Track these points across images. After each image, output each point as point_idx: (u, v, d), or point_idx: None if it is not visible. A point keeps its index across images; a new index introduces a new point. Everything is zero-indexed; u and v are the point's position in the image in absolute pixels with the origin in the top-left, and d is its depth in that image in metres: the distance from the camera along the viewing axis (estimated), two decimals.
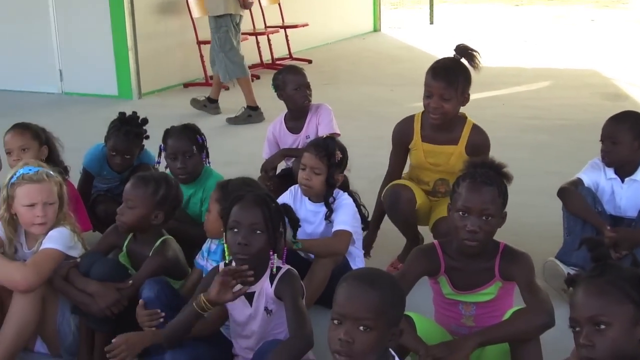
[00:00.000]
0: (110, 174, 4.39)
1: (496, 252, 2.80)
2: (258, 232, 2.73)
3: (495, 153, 3.22)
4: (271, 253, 2.81)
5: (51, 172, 3.31)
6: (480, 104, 6.50)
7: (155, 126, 4.36)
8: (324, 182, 3.61)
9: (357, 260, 3.70)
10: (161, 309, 3.01)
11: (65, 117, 7.62)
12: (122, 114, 4.32)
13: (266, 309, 2.85)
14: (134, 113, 4.33)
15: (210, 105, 7.72)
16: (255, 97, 7.44)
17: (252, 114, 7.41)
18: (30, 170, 3.26)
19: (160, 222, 3.27)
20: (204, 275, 3.14)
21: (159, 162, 4.04)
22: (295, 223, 3.00)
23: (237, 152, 6.25)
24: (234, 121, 7.36)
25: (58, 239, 3.24)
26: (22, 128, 3.99)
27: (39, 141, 3.96)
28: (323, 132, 4.38)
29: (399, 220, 3.94)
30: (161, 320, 2.99)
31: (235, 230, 2.75)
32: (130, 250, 3.36)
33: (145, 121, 4.32)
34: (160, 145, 3.96)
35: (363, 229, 3.81)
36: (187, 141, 3.88)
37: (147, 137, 4.34)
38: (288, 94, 4.58)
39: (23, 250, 3.35)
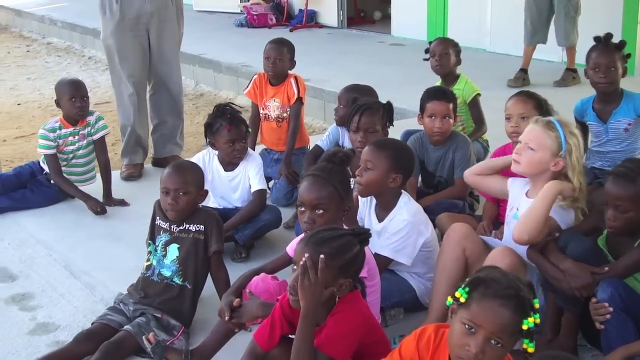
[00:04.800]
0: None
1: None
2: None
3: None
4: None
5: (558, 127, 3.26)
6: None
7: None
8: None
9: None
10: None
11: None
12: None
13: None
14: None
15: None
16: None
17: (575, 75, 7.81)
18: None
19: None
20: None
21: None
22: None
23: None
24: (559, 84, 7.78)
25: (561, 215, 3.21)
26: (526, 96, 4.01)
27: (539, 112, 3.91)
28: None
29: None
30: (608, 316, 2.82)
31: None
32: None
33: None
34: None
35: None
36: None
37: None
38: None
39: None
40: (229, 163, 4.32)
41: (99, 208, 4.85)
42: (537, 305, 2.16)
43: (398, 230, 3.37)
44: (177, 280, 3.45)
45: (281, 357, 2.64)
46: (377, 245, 3.40)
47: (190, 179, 3.51)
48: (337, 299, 2.55)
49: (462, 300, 2.17)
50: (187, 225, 3.49)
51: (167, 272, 3.47)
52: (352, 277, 2.57)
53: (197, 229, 3.48)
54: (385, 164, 3.39)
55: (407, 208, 3.41)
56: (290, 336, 2.69)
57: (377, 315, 3.09)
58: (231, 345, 3.11)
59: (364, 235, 2.65)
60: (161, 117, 5.84)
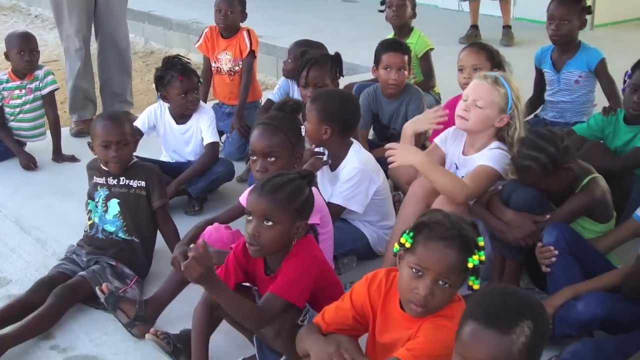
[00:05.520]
0: None
1: None
2: None
3: None
4: None
5: (505, 84, 3.26)
6: None
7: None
8: None
9: None
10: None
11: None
12: None
13: None
14: None
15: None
16: None
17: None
18: (491, 73, 3.31)
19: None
20: None
21: None
22: None
23: None
24: (505, 42, 7.79)
25: (496, 159, 3.24)
26: (478, 48, 4.04)
27: (492, 63, 3.95)
28: None
29: None
30: (553, 259, 2.89)
31: None
32: None
33: None
34: None
35: None
36: None
37: None
38: None
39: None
40: (181, 116, 4.29)
41: (27, 162, 4.82)
42: (481, 244, 2.19)
43: (349, 178, 3.39)
44: (123, 235, 3.43)
45: None
46: (329, 194, 3.42)
47: (128, 129, 3.44)
48: (293, 244, 2.57)
49: (408, 245, 2.19)
50: (128, 181, 3.44)
51: (111, 228, 3.44)
52: (306, 218, 2.59)
53: (139, 184, 3.44)
54: (314, 117, 3.42)
55: (358, 156, 3.44)
56: (244, 284, 2.71)
57: (330, 263, 3.13)
58: (185, 295, 3.13)
59: (310, 176, 2.67)
60: (108, 74, 5.76)
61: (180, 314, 3.07)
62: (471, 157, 3.32)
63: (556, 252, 2.90)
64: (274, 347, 2.63)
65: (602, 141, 3.81)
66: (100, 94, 5.83)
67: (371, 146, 4.28)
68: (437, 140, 3.55)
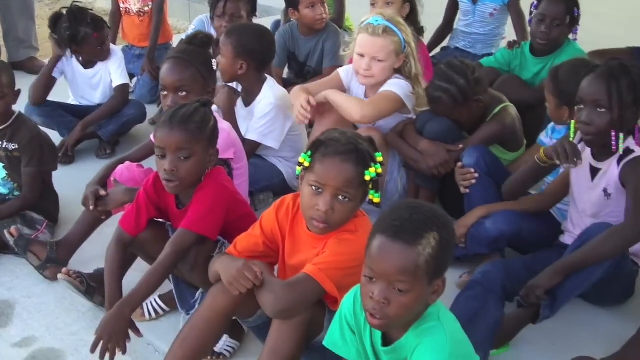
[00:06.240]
0: None
1: None
2: (601, 110, 2.49)
3: None
4: (613, 133, 2.53)
5: (394, 29, 3.24)
6: None
7: None
8: None
9: None
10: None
11: None
12: None
13: (605, 191, 2.63)
14: None
15: None
16: None
17: None
18: (376, 21, 3.25)
19: None
20: None
21: None
22: None
23: None
24: None
25: (398, 86, 3.26)
26: None
27: None
28: None
29: None
30: (473, 181, 2.95)
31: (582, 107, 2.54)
32: None
33: None
34: None
35: None
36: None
37: None
38: None
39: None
40: (88, 61, 4.16)
41: None
42: (380, 158, 2.20)
43: (265, 114, 3.36)
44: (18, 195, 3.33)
45: (150, 239, 2.62)
46: (244, 130, 3.39)
47: (5, 81, 3.22)
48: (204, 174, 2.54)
49: (307, 164, 2.20)
50: (7, 144, 3.27)
51: (4, 190, 3.34)
52: (215, 146, 2.56)
53: (14, 147, 3.27)
54: (229, 51, 3.36)
55: (272, 92, 3.40)
56: (157, 220, 2.67)
57: (246, 199, 3.11)
58: (98, 235, 3.07)
59: (210, 104, 2.63)
60: (12, 20, 5.52)
61: (94, 254, 3.00)
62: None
63: (477, 175, 2.95)
64: (190, 280, 2.61)
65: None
66: (4, 41, 5.61)
67: (286, 84, 4.25)
68: (340, 70, 3.53)
